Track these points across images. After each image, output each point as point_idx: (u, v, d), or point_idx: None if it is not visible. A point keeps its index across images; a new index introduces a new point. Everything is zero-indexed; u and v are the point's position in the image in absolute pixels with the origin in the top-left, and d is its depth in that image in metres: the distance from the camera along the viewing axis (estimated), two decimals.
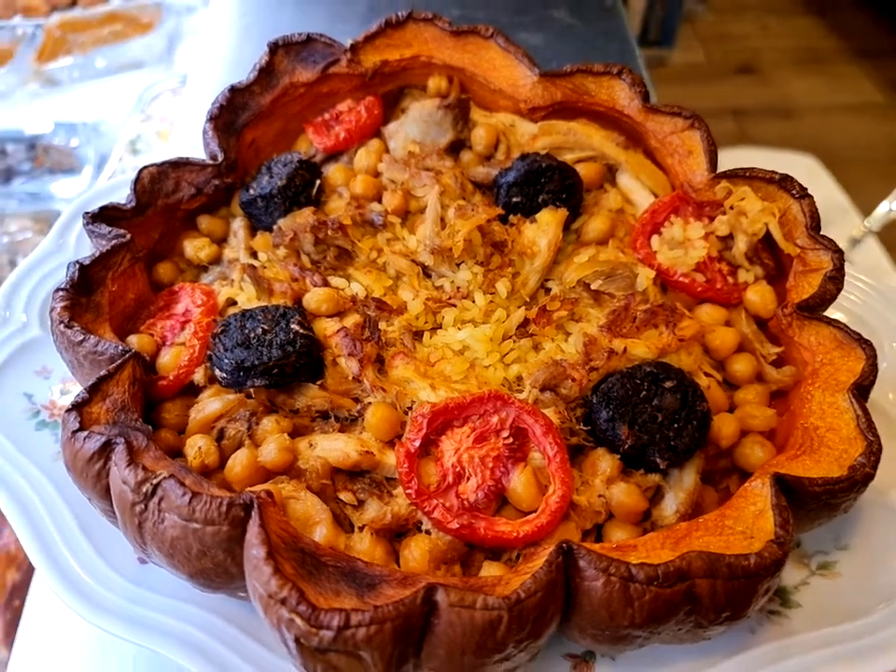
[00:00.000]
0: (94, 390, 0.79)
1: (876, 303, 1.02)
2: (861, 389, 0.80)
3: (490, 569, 0.75)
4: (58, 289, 0.88)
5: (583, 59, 1.70)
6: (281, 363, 0.82)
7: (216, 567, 0.69)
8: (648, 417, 0.80)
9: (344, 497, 0.79)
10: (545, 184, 0.98)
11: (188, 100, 1.96)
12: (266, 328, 0.85)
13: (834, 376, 0.83)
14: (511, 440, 0.79)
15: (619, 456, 0.80)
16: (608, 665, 0.81)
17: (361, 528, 0.77)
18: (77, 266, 0.89)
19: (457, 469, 0.78)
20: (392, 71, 1.11)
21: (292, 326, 0.85)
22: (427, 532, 0.77)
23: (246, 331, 0.85)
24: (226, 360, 0.83)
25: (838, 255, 0.89)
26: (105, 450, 0.72)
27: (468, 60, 1.10)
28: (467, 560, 0.77)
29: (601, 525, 0.80)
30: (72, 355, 0.86)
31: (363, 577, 0.67)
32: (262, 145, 1.11)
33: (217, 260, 1.03)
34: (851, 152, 3.51)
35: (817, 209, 0.93)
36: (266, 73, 1.08)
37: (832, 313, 0.94)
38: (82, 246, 1.15)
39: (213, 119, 1.04)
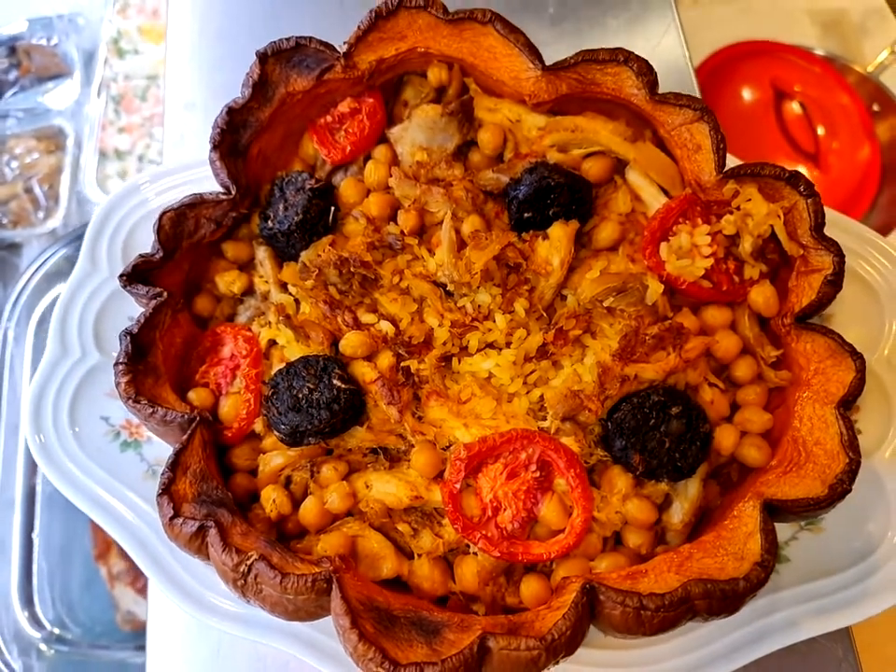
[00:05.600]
0: (175, 466, 0.91)
1: (892, 277, 1.07)
2: (848, 404, 0.90)
3: (529, 581, 0.92)
4: (117, 363, 0.96)
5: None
6: (331, 423, 0.93)
7: (309, 616, 0.86)
8: (656, 444, 0.92)
9: (401, 528, 0.94)
10: (555, 199, 1.00)
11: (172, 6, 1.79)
12: (311, 386, 0.95)
13: (825, 387, 0.92)
14: (538, 473, 0.92)
15: (632, 475, 0.93)
16: None
17: (419, 556, 0.93)
18: (128, 337, 0.97)
19: (494, 504, 0.92)
20: (389, 66, 1.07)
21: (334, 382, 0.94)
22: (475, 554, 0.93)
23: (294, 392, 0.95)
24: (282, 425, 0.94)
25: (839, 259, 0.93)
26: (201, 531, 0.86)
27: (466, 49, 1.04)
28: (509, 570, 0.94)
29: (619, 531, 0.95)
30: (146, 422, 0.97)
31: (429, 624, 0.83)
32: (269, 152, 1.11)
33: (249, 290, 1.09)
34: None
35: (822, 208, 0.95)
36: (260, 85, 1.05)
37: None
38: (114, 262, 1.21)
39: (216, 146, 1.04)
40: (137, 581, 1.85)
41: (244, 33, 1.58)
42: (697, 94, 1.53)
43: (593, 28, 1.54)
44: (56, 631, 1.78)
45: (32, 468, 1.84)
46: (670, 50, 1.58)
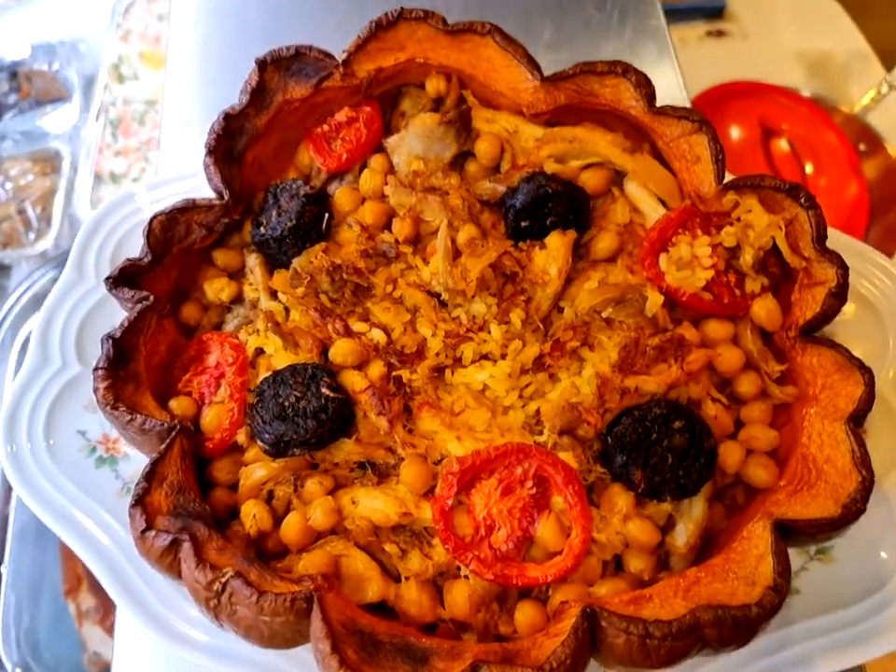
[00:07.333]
0: (151, 476, 0.86)
1: (892, 294, 1.05)
2: (858, 419, 0.86)
3: (524, 608, 0.86)
4: (96, 368, 0.92)
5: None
6: (317, 433, 0.89)
7: (286, 642, 0.80)
8: (659, 459, 0.87)
9: (389, 548, 0.89)
10: (553, 208, 0.97)
11: (174, 26, 1.79)
12: (298, 394, 0.90)
13: (834, 402, 0.89)
14: (534, 490, 0.87)
15: (633, 493, 0.88)
16: None
17: (407, 578, 0.88)
18: (110, 341, 0.93)
19: (488, 522, 0.87)
20: (387, 76, 1.06)
21: (322, 390, 0.90)
22: (466, 577, 0.87)
23: (280, 400, 0.90)
24: (266, 434, 0.89)
25: (843, 271, 0.91)
26: (174, 546, 0.81)
27: (465, 60, 1.04)
28: (502, 596, 0.88)
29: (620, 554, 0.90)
30: (123, 430, 0.92)
31: (416, 650, 0.77)
32: (264, 160, 1.09)
33: (238, 298, 1.06)
34: None
35: (824, 220, 0.93)
36: (258, 92, 1.04)
37: None
38: (101, 271, 1.17)
39: (211, 151, 1.02)
40: (107, 618, 1.76)
41: (243, 56, 1.58)
42: None
43: (589, 57, 1.54)
44: None
45: (5, 496, 1.77)
46: (666, 82, 1.59)
